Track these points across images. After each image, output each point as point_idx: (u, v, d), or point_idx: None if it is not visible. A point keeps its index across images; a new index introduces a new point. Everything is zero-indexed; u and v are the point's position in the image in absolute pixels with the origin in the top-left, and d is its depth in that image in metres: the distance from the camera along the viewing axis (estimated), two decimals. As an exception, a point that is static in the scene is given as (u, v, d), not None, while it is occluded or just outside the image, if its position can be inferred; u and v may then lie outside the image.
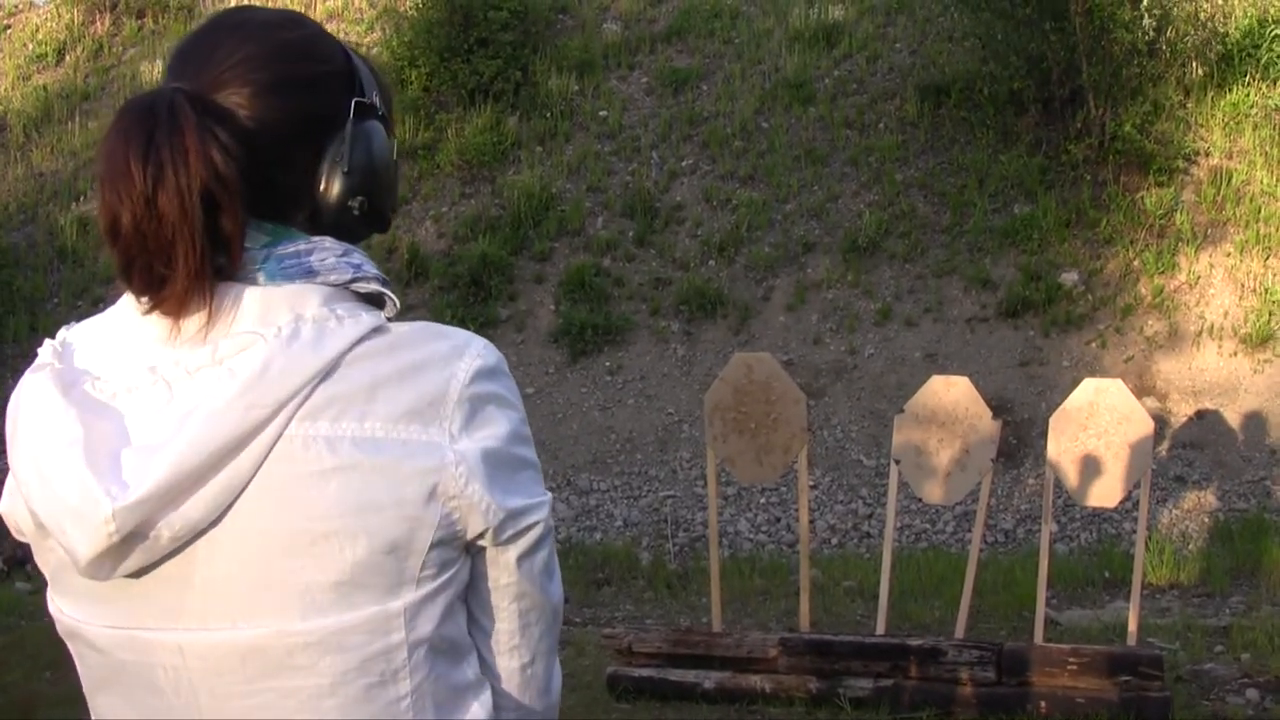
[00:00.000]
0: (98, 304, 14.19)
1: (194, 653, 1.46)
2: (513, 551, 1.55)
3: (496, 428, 1.50)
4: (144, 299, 1.44)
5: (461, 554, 1.52)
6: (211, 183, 1.40)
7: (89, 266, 14.72)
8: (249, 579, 1.43)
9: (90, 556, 1.39)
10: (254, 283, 1.47)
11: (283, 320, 1.44)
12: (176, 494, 1.38)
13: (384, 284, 1.56)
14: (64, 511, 1.39)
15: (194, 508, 1.40)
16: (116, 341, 1.49)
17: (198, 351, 1.43)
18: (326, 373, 1.43)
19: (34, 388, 1.47)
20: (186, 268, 1.39)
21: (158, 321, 1.46)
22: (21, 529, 1.53)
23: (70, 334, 1.54)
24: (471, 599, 1.57)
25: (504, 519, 1.51)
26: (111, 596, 1.47)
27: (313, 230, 1.55)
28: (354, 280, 1.52)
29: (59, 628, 1.57)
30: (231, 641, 1.44)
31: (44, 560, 1.54)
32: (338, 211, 1.56)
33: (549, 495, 1.59)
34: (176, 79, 1.50)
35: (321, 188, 1.55)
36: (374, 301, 1.56)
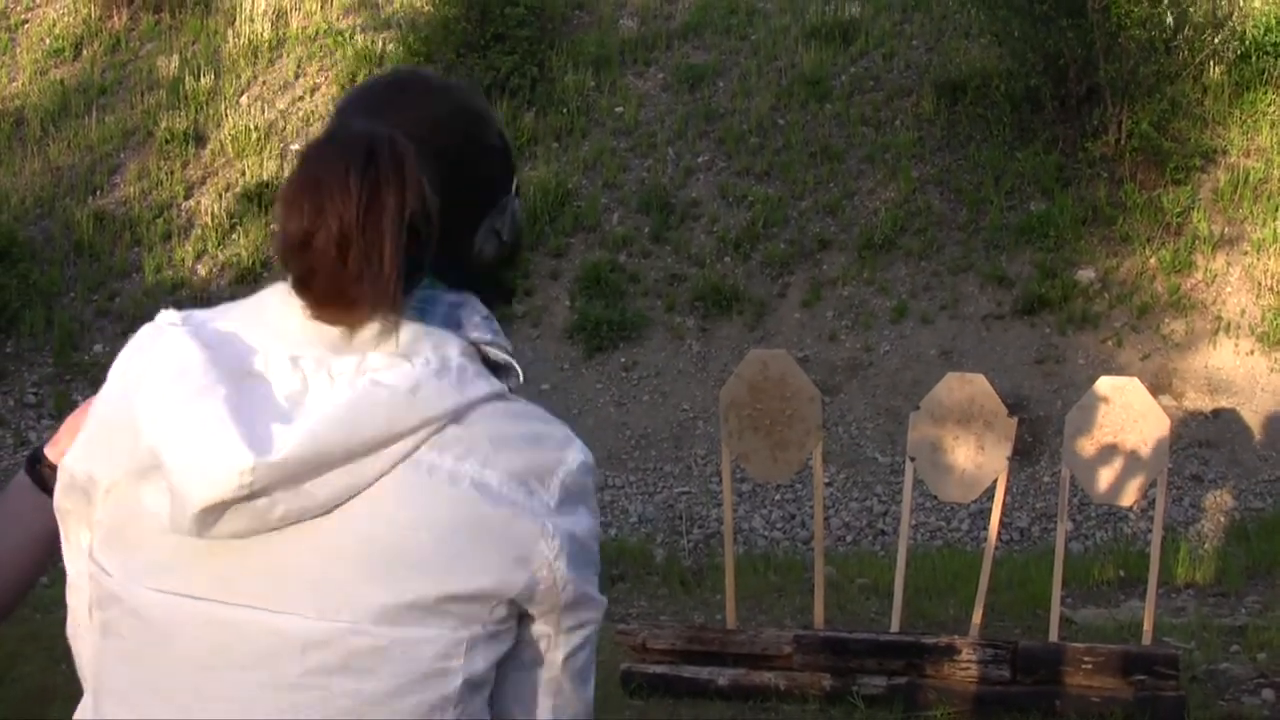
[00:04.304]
0: (113, 298, 14.23)
1: (255, 631, 1.45)
2: (562, 648, 1.57)
3: (583, 519, 1.54)
4: (322, 319, 1.47)
5: (522, 617, 1.54)
6: (419, 214, 1.45)
7: (105, 261, 14.74)
8: (337, 577, 1.44)
9: (207, 503, 1.40)
10: (407, 317, 1.51)
11: (427, 354, 1.48)
12: (309, 471, 1.41)
13: (512, 355, 1.60)
14: (198, 452, 1.40)
15: (315, 491, 1.42)
16: (252, 329, 1.52)
17: (344, 359, 1.47)
18: (460, 415, 1.47)
19: (167, 338, 1.49)
20: (380, 292, 1.43)
21: (319, 327, 1.49)
22: (78, 481, 1.54)
23: (187, 314, 1.56)
24: (508, 681, 1.57)
25: (573, 600, 1.53)
26: (182, 561, 1.47)
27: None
28: (490, 343, 1.57)
29: (93, 593, 1.56)
30: (297, 628, 1.44)
31: (107, 514, 1.53)
32: (479, 277, 1.62)
33: (605, 600, 1.61)
34: (369, 120, 1.53)
35: (475, 251, 1.62)
36: (495, 370, 1.58)
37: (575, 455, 1.53)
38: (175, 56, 17.29)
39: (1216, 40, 13.18)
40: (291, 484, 1.41)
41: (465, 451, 1.46)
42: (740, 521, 10.84)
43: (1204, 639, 7.64)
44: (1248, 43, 13.43)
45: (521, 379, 1.60)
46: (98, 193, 15.67)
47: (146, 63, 17.47)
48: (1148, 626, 6.80)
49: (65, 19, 18.48)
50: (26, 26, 18.64)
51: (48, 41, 18.20)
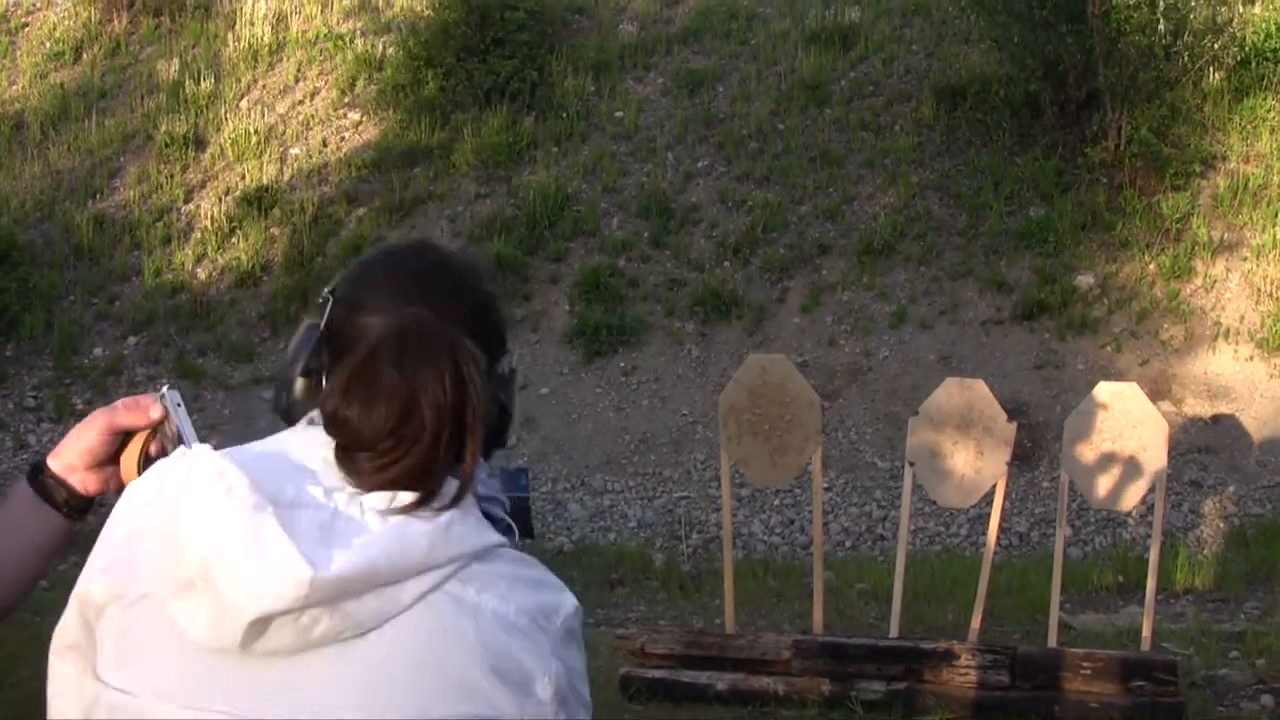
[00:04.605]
0: (113, 302, 14.23)
1: None
2: None
3: (576, 662, 1.60)
4: (383, 487, 1.53)
5: None
6: (485, 396, 1.58)
7: (105, 264, 14.74)
8: (369, 695, 1.47)
9: (261, 614, 1.43)
10: None
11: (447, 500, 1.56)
12: (356, 590, 1.45)
13: (507, 513, 1.68)
14: (257, 564, 1.43)
15: (353, 611, 1.46)
16: (280, 463, 1.56)
17: (374, 495, 1.52)
18: (481, 555, 1.55)
19: (205, 459, 1.52)
20: (442, 467, 1.54)
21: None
22: (94, 604, 1.55)
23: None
24: None
25: None
26: (214, 679, 1.48)
27: None
28: (493, 499, 1.66)
29: (99, 711, 1.55)
30: None
31: (128, 626, 1.53)
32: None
33: None
34: (427, 305, 1.61)
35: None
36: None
37: (571, 600, 1.61)
38: (175, 60, 17.30)
39: (1216, 46, 13.19)
40: (335, 602, 1.45)
41: (485, 586, 1.53)
42: (739, 526, 10.83)
43: (1203, 645, 7.64)
44: (1247, 48, 13.45)
45: (518, 538, 1.67)
46: (97, 196, 15.68)
47: (146, 66, 17.48)
48: (1146, 632, 6.80)
49: (65, 22, 18.49)
50: (27, 30, 18.66)
51: (48, 45, 18.21)
